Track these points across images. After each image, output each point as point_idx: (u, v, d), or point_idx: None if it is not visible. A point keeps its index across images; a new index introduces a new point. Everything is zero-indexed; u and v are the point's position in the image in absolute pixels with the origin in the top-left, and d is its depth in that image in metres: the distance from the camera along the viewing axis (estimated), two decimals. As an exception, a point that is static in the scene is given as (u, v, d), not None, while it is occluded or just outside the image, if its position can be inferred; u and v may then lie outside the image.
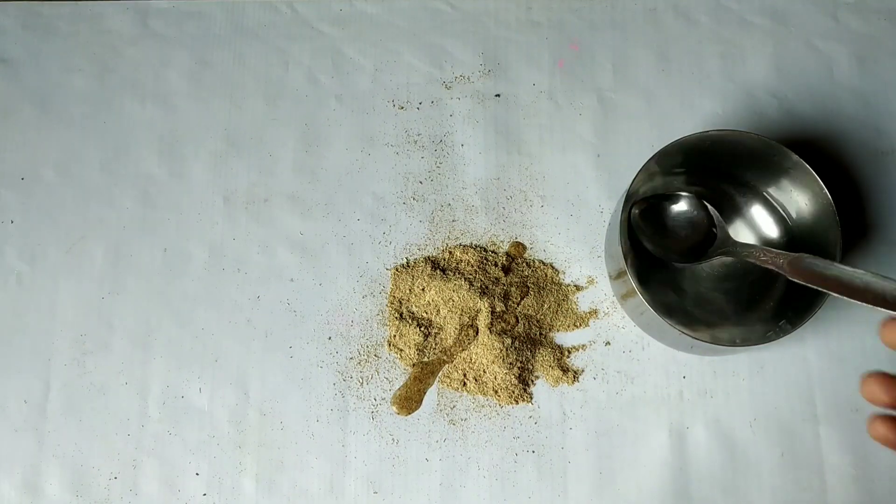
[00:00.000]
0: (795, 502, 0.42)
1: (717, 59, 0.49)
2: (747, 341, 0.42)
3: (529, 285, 0.45)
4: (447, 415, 0.43)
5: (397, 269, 0.46)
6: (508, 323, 0.44)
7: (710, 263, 0.44)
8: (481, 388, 0.43)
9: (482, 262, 0.45)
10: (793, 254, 0.38)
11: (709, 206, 0.44)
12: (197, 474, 0.43)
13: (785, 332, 0.39)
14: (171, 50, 0.50)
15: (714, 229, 0.43)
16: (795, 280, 0.37)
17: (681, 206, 0.44)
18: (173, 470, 0.43)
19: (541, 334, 0.45)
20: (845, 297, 0.35)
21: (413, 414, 0.43)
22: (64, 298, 0.45)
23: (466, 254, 0.46)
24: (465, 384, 0.44)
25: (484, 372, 0.43)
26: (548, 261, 0.46)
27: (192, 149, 0.48)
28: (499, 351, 0.43)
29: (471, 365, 0.44)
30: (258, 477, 0.43)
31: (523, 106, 0.48)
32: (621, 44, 0.50)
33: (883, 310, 0.34)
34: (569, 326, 0.45)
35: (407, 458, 0.43)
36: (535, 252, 0.46)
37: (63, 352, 0.45)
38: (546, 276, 0.46)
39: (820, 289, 0.36)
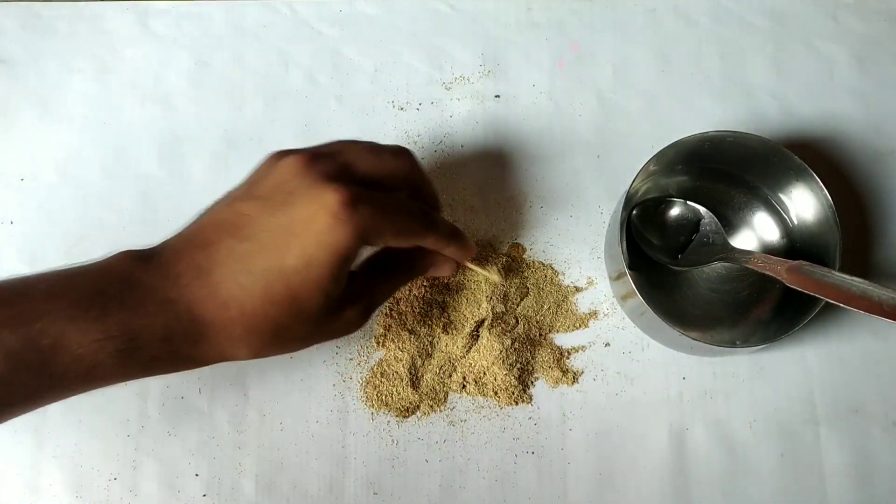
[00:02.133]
0: (795, 503, 0.42)
1: (716, 59, 0.49)
2: (747, 343, 0.42)
3: (529, 286, 0.45)
4: (447, 416, 0.43)
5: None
6: (508, 324, 0.44)
7: (710, 266, 0.44)
8: (481, 390, 0.43)
9: (482, 263, 0.45)
10: (791, 261, 0.39)
11: (707, 211, 0.44)
12: (197, 475, 0.43)
13: (784, 334, 0.39)
14: (171, 50, 0.49)
15: (712, 235, 0.43)
16: (793, 287, 0.38)
17: (679, 211, 0.44)
18: (173, 471, 0.43)
19: (540, 335, 0.44)
20: (842, 305, 0.36)
21: (412, 415, 0.43)
22: (64, 299, 0.45)
23: (466, 255, 0.46)
24: (464, 385, 0.44)
25: (483, 373, 0.43)
26: (547, 262, 0.46)
27: (192, 149, 0.48)
28: (498, 352, 0.43)
29: (470, 366, 0.44)
30: (258, 478, 0.43)
31: (523, 107, 0.48)
32: (621, 44, 0.49)
33: (879, 318, 0.35)
34: (568, 327, 0.45)
35: (406, 460, 0.43)
36: (535, 253, 0.46)
37: (63, 352, 0.45)
38: (546, 277, 0.45)
39: (818, 296, 0.37)
